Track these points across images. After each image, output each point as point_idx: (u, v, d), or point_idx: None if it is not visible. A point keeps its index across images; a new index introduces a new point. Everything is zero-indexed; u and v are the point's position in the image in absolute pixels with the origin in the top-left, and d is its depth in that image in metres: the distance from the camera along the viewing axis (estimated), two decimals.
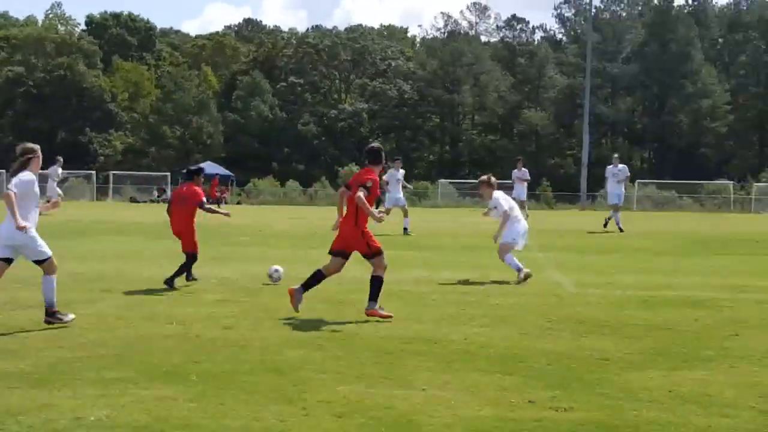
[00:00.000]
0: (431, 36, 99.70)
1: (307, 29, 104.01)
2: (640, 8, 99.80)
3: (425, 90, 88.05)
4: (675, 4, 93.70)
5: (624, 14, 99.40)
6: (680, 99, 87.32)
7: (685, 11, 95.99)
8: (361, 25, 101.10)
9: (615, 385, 6.60)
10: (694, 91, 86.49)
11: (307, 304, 9.75)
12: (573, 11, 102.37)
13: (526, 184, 28.58)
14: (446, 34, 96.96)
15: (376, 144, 10.73)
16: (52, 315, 8.92)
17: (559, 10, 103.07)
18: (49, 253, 8.94)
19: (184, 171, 13.51)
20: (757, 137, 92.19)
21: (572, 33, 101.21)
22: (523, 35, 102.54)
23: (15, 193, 8.62)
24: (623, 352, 7.79)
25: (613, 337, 8.54)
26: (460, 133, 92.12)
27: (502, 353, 7.77)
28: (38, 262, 8.93)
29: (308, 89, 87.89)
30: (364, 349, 7.92)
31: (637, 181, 58.68)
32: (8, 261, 8.89)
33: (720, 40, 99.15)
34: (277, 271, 12.52)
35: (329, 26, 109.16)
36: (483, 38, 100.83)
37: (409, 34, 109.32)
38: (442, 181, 62.59)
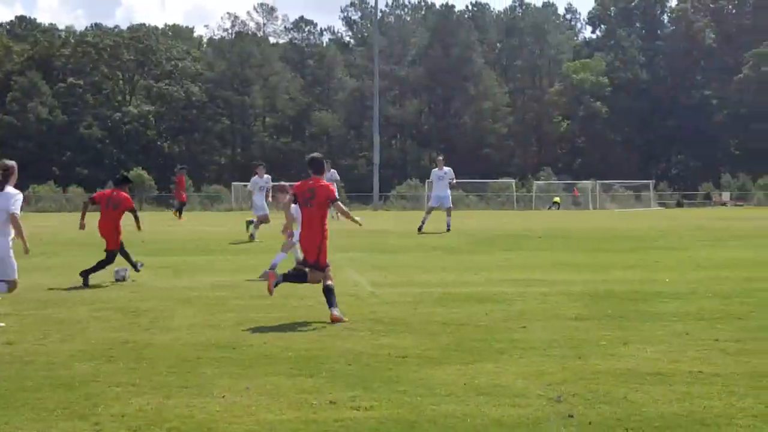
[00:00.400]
0: (218, 36, 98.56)
1: (86, 27, 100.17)
2: (423, 13, 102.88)
3: (214, 91, 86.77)
4: (456, 9, 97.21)
5: (408, 18, 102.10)
6: (464, 101, 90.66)
7: (466, 16, 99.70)
8: (144, 24, 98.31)
9: (413, 382, 6.78)
10: (476, 93, 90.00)
11: (98, 314, 9.44)
12: (359, 14, 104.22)
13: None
14: (234, 34, 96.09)
15: (318, 154, 10.90)
16: None
17: (345, 13, 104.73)
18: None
19: (117, 176, 15.23)
20: (535, 138, 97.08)
21: (359, 36, 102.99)
22: (312, 37, 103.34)
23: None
24: (420, 349, 8.02)
25: (410, 334, 8.77)
26: (252, 135, 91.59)
27: (303, 355, 7.81)
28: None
29: (90, 90, 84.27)
30: (159, 358, 7.73)
31: (426, 181, 60.36)
32: None
33: (498, 44, 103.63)
34: (125, 271, 13.51)
35: (110, 25, 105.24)
36: (272, 39, 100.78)
37: (195, 35, 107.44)
38: (236, 184, 61.89)
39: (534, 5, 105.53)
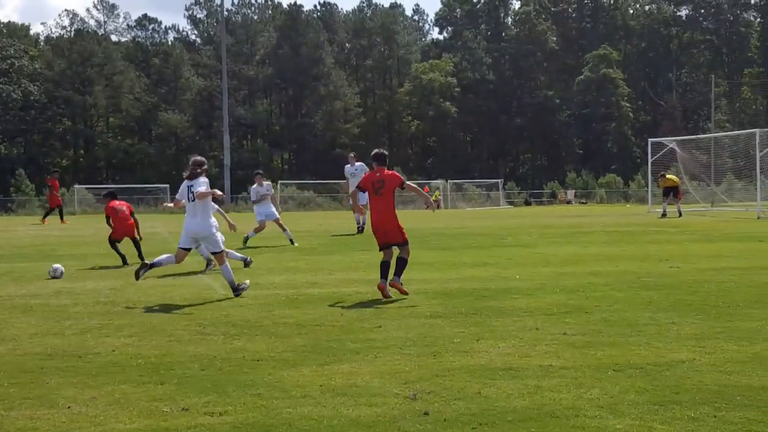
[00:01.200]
0: (57, 34, 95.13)
1: None
2: (270, 12, 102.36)
3: (54, 91, 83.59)
4: (304, 8, 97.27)
5: (256, 17, 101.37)
6: (314, 101, 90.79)
7: (314, 16, 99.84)
8: None
9: (268, 385, 6.68)
10: (326, 93, 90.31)
11: None
12: (205, 13, 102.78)
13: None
14: (73, 32, 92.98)
15: (381, 149, 12.24)
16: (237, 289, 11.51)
17: (190, 12, 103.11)
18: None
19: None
20: (386, 138, 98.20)
21: (206, 35, 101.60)
22: (156, 36, 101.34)
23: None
24: (275, 351, 7.91)
25: (264, 337, 8.65)
26: (95, 136, 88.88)
27: (153, 362, 7.57)
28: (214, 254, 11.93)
29: None
30: None
31: (279, 182, 60.10)
32: (188, 250, 12.02)
33: (348, 44, 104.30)
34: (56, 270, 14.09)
35: None
36: (114, 38, 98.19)
37: (32, 32, 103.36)
38: (78, 186, 59.86)
39: (382, 6, 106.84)
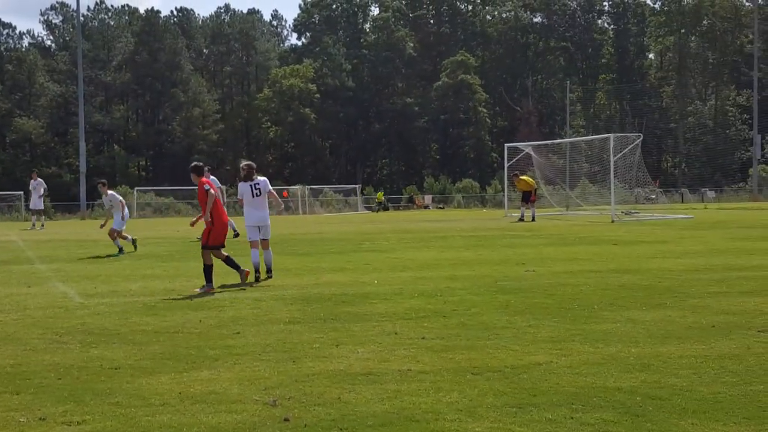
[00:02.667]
0: None
1: None
2: (127, 17, 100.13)
3: None
4: (161, 14, 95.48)
5: (112, 23, 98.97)
6: (173, 107, 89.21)
7: (172, 21, 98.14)
8: None
9: (127, 393, 6.58)
10: (185, 99, 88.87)
11: None
12: (61, 18, 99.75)
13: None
14: None
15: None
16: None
17: (46, 17, 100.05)
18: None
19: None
20: (245, 144, 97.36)
21: (62, 40, 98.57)
22: (10, 40, 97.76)
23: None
24: (133, 359, 7.80)
25: (122, 344, 8.51)
26: None
27: (8, 371, 7.35)
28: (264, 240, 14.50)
29: None
30: None
31: (136, 189, 58.77)
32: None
33: (206, 50, 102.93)
34: None
35: None
36: None
37: None
38: None
39: (240, 11, 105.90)
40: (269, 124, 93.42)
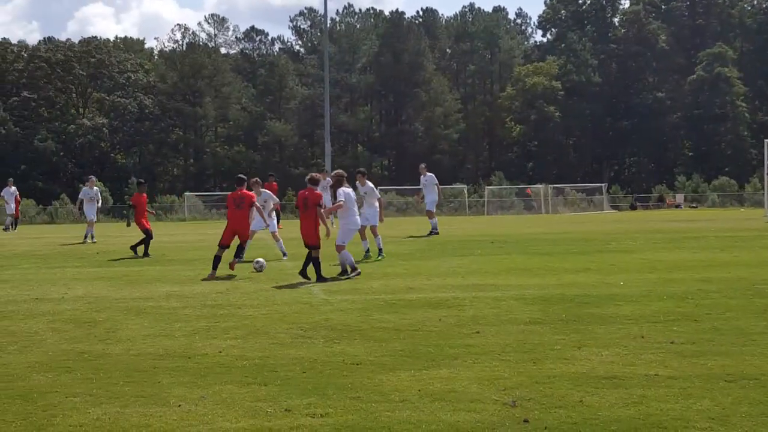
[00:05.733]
0: (170, 48, 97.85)
1: (39, 42, 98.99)
2: (373, 20, 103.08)
3: (167, 103, 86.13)
4: (406, 15, 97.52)
5: (358, 26, 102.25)
6: (415, 107, 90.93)
7: (416, 22, 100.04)
8: (96, 37, 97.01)
9: (367, 388, 6.70)
10: (427, 99, 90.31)
11: (54, 325, 9.33)
12: (309, 23, 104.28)
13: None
14: (185, 46, 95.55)
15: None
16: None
17: (295, 23, 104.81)
18: None
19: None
20: (486, 143, 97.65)
21: (310, 44, 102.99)
22: (263, 47, 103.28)
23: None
24: (374, 356, 7.93)
25: (363, 341, 8.68)
26: (204, 145, 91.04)
27: (257, 364, 7.71)
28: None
29: (43, 104, 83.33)
30: (115, 368, 7.63)
31: (379, 188, 60.37)
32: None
33: (449, 50, 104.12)
34: (258, 262, 15.68)
35: (62, 38, 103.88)
36: (223, 50, 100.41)
37: (146, 46, 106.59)
38: (188, 194, 61.47)
39: (484, 10, 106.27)
40: (512, 122, 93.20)
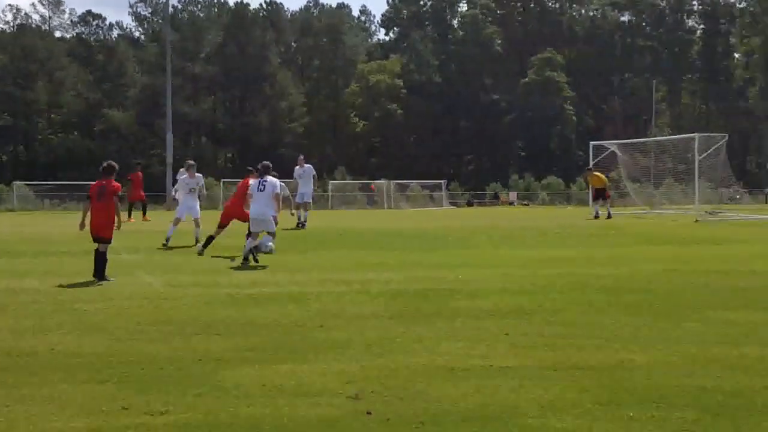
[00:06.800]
0: None
1: None
2: (216, 10, 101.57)
3: None
4: (251, 7, 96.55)
5: (202, 15, 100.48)
6: (260, 100, 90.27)
7: (261, 15, 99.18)
8: None
9: (209, 384, 6.62)
10: (272, 93, 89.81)
11: None
12: (149, 10, 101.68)
13: None
14: (16, 27, 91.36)
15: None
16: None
17: (135, 8, 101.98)
18: None
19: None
20: (331, 136, 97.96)
21: (150, 32, 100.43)
22: (100, 32, 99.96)
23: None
24: (217, 351, 7.85)
25: (205, 336, 8.57)
26: (36, 132, 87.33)
27: (93, 361, 7.47)
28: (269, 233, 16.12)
29: None
30: None
31: (222, 180, 59.59)
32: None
33: (294, 44, 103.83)
34: (267, 246, 16.06)
35: None
36: (57, 33, 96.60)
37: None
38: (17, 183, 58.70)
39: (329, 6, 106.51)
40: (356, 118, 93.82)
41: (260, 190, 16.12)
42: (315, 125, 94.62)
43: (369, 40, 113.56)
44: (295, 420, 5.68)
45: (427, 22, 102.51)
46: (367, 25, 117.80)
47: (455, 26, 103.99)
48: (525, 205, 64.76)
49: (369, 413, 5.80)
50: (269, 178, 16.31)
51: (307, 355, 7.66)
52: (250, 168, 18.73)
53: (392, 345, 8.06)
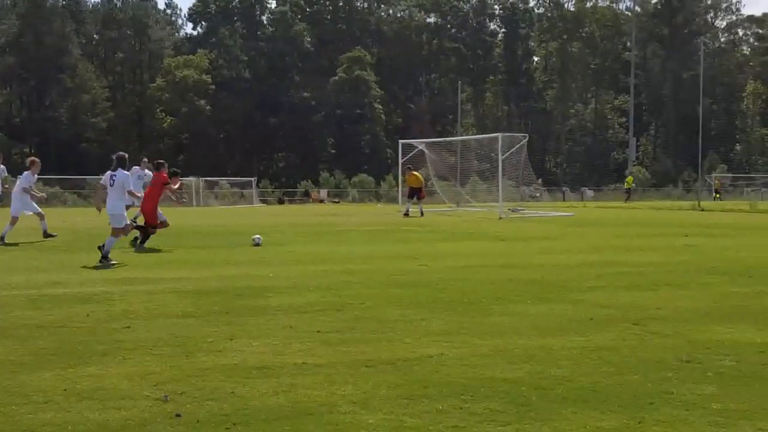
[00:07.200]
0: None
1: None
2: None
3: None
4: None
5: None
6: (59, 93, 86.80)
7: (60, 5, 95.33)
8: None
9: (8, 390, 6.28)
10: (73, 85, 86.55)
11: None
12: None
13: None
14: None
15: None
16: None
17: None
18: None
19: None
20: (136, 133, 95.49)
21: None
22: None
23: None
24: (15, 355, 7.46)
25: (2, 340, 8.13)
26: None
27: None
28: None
29: None
30: None
31: (18, 176, 56.70)
32: None
33: (96, 36, 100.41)
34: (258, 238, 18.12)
35: None
36: None
37: None
38: None
39: None
40: (163, 114, 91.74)
41: (111, 185, 15.72)
42: (119, 120, 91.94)
43: (176, 34, 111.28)
44: (100, 425, 5.47)
45: (236, 17, 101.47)
46: (173, 18, 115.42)
47: (264, 22, 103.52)
48: (336, 202, 65.39)
49: (178, 415, 5.67)
50: (120, 171, 15.83)
51: (113, 357, 7.41)
52: (161, 161, 19.88)
53: (202, 345, 7.92)
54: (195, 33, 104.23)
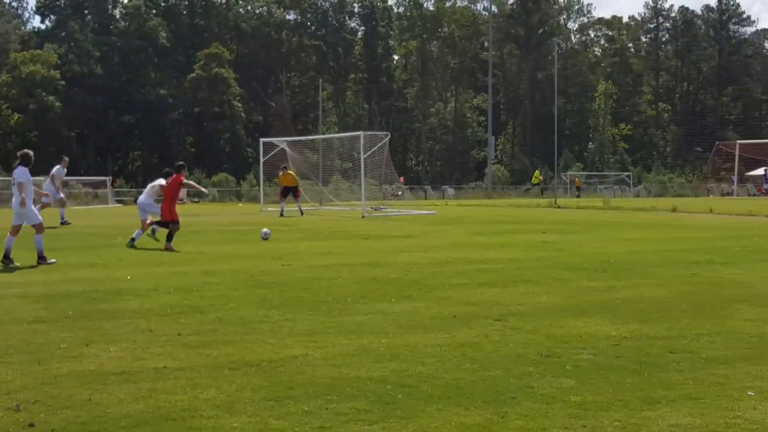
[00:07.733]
0: None
1: None
2: None
3: None
4: None
5: None
6: None
7: None
8: None
9: None
10: None
11: None
12: None
13: None
14: None
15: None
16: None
17: None
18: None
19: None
20: None
21: None
22: None
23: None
24: None
25: None
26: None
27: None
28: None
29: None
30: None
31: None
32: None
33: None
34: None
35: None
36: None
37: None
38: None
39: None
40: (9, 111, 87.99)
41: (13, 184, 15.55)
42: None
43: (23, 27, 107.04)
44: None
45: (86, 11, 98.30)
46: (20, 12, 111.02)
47: (117, 16, 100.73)
48: (196, 202, 64.25)
49: (32, 425, 5.44)
50: (18, 169, 15.51)
51: None
52: (181, 163, 21.01)
53: (56, 351, 7.62)
54: (43, 27, 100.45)
